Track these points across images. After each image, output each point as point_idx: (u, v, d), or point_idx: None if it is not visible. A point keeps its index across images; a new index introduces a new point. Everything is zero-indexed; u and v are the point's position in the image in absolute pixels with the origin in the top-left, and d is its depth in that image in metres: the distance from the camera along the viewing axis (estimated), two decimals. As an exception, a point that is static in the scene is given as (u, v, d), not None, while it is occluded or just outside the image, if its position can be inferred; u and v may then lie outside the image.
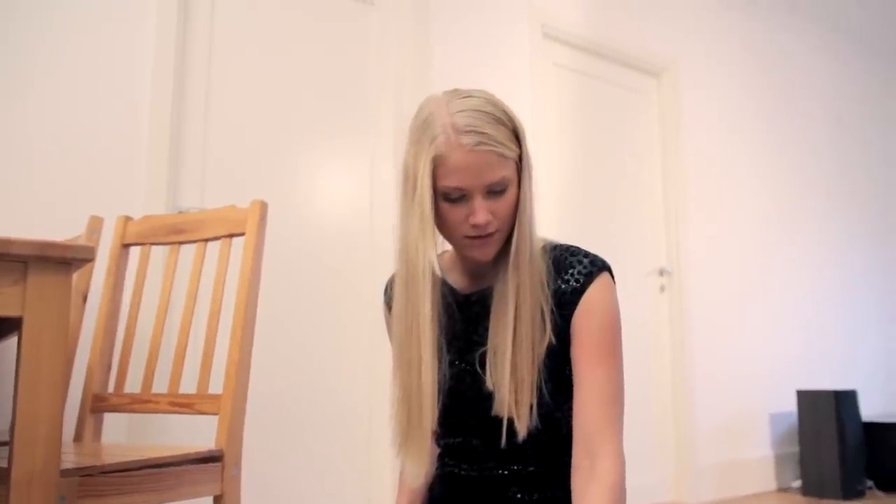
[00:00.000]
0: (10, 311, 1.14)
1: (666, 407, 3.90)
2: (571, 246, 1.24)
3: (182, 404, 1.75)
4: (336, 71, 2.95)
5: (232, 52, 2.70)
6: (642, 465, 3.74)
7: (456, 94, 1.16)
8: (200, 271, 1.85)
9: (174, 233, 1.90)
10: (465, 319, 1.24)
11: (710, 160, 4.33)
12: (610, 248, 3.40)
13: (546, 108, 3.58)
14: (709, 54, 4.45)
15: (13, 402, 1.93)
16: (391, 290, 1.34)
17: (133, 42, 2.44)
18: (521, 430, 1.14)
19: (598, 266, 1.20)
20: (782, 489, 4.32)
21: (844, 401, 4.09)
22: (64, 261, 1.17)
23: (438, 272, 1.16)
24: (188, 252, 2.08)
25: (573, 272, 1.19)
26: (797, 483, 4.30)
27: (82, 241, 1.85)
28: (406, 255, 1.17)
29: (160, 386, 1.88)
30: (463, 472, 1.27)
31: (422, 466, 1.18)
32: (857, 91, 5.58)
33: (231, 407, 1.64)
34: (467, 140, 1.10)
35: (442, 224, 1.17)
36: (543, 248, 1.22)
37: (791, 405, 4.43)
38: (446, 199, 1.13)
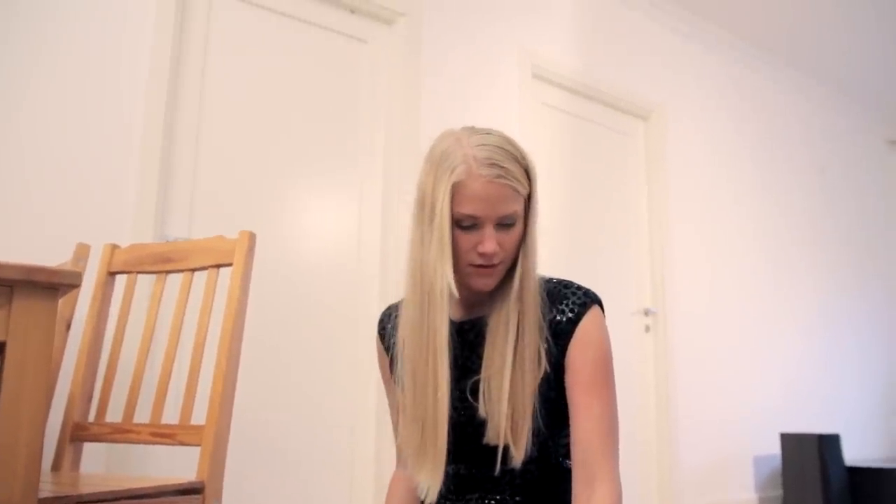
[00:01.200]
0: (-7, 336, 1.13)
1: (650, 448, 3.89)
2: (563, 279, 1.28)
3: (164, 434, 1.73)
4: (326, 105, 2.98)
5: (224, 84, 2.73)
6: (626, 507, 3.71)
7: (474, 130, 1.22)
8: (186, 301, 1.84)
9: (161, 262, 1.90)
10: (458, 347, 1.25)
11: (696, 202, 4.38)
12: (595, 286, 3.39)
13: (534, 147, 3.62)
14: (695, 99, 4.53)
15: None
16: (389, 320, 1.36)
17: (125, 70, 2.45)
18: (518, 457, 1.16)
19: (590, 298, 1.24)
20: (766, 533, 4.30)
21: (828, 444, 4.09)
22: (51, 286, 1.17)
23: (455, 293, 1.18)
24: (175, 281, 2.08)
25: (567, 303, 1.23)
26: (781, 527, 4.28)
27: (69, 268, 1.85)
28: (422, 277, 1.19)
29: (142, 416, 1.86)
30: (448, 503, 1.27)
31: (436, 483, 1.19)
32: (841, 140, 5.68)
33: (213, 438, 1.63)
34: (487, 171, 1.15)
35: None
36: (538, 280, 1.26)
37: (775, 448, 4.43)
38: (458, 226, 1.18)
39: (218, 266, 1.81)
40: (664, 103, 4.30)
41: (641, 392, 3.91)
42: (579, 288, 1.26)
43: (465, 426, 1.22)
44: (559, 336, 1.22)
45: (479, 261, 1.19)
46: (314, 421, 2.76)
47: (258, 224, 2.68)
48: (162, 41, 2.52)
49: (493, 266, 1.20)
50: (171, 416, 1.87)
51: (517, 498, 1.23)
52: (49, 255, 2.13)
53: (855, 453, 4.95)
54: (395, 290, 2.94)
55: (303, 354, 2.77)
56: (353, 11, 3.09)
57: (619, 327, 3.84)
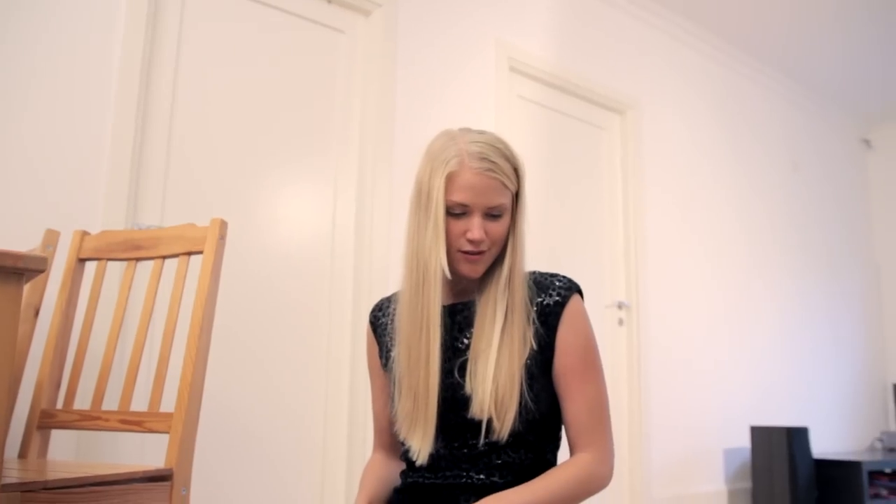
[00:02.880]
0: (-44, 320, 1.13)
1: (621, 439, 3.93)
2: (545, 271, 1.39)
3: (132, 422, 1.72)
4: (302, 95, 2.97)
5: (198, 71, 2.71)
6: (596, 497, 3.74)
7: (470, 130, 1.34)
8: (157, 288, 1.84)
9: (132, 249, 1.89)
10: (449, 328, 1.34)
11: (671, 197, 4.41)
12: (570, 279, 3.43)
13: (510, 139, 3.62)
14: (672, 94, 4.56)
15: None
16: (383, 310, 1.46)
17: (97, 56, 2.43)
18: (503, 431, 1.24)
19: (574, 284, 1.35)
20: (735, 524, 4.36)
21: (796, 437, 4.15)
22: (15, 270, 1.16)
23: (448, 274, 1.29)
24: (145, 269, 2.07)
25: (553, 289, 1.33)
26: (749, 519, 4.34)
27: (35, 254, 1.83)
28: (417, 260, 1.29)
29: (111, 403, 1.86)
30: (427, 482, 1.31)
31: (427, 447, 1.27)
32: (816, 137, 5.75)
33: (182, 426, 1.62)
34: (477, 164, 1.27)
35: None
36: (525, 272, 1.37)
37: (745, 441, 4.49)
38: (450, 214, 1.28)
39: (189, 254, 1.81)
40: (640, 98, 4.32)
41: (614, 384, 3.95)
42: (563, 277, 1.36)
43: (451, 402, 1.28)
44: (548, 317, 1.31)
45: (468, 247, 1.28)
46: (285, 408, 2.76)
47: (232, 212, 2.67)
48: (135, 27, 2.50)
49: (479, 253, 1.29)
50: (140, 404, 1.86)
51: (496, 476, 1.27)
52: (19, 242, 2.12)
53: (823, 446, 5.03)
54: (368, 278, 2.95)
55: (275, 342, 2.76)
56: (329, 1, 3.08)
57: (592, 320, 3.84)
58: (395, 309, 1.37)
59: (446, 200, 1.26)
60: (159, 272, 1.84)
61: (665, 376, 4.14)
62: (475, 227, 1.26)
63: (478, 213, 1.27)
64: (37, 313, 1.94)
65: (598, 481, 1.27)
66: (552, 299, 1.32)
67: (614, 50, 4.25)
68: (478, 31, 3.56)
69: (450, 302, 1.37)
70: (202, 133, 2.69)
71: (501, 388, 1.24)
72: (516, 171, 1.32)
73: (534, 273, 1.37)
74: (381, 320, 1.46)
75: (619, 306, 4.05)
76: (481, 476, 1.27)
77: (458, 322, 1.34)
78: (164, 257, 1.85)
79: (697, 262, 4.52)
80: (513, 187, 1.30)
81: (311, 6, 3.03)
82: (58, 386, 1.86)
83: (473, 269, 1.30)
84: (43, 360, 1.85)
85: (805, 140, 5.63)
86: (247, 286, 2.71)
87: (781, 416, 4.83)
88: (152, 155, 2.56)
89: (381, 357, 1.45)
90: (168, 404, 1.71)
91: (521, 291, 1.31)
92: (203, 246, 1.76)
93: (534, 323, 1.30)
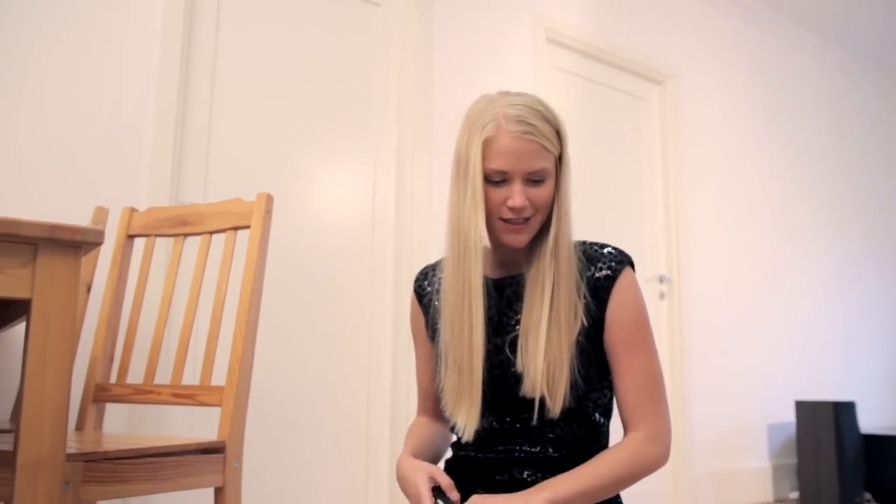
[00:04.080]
0: (18, 293, 1.14)
1: (664, 414, 3.89)
2: (597, 241, 1.34)
3: (185, 395, 1.74)
4: (339, 69, 2.96)
5: (237, 49, 2.71)
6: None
7: (508, 93, 1.28)
8: (205, 263, 1.85)
9: (179, 224, 1.90)
10: (497, 303, 1.30)
11: (712, 168, 4.34)
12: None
13: (550, 112, 3.58)
14: (712, 63, 4.47)
15: (20, 386, 1.93)
16: (427, 278, 1.42)
17: (139, 37, 2.44)
18: (555, 408, 1.20)
19: (626, 257, 1.30)
20: (780, 500, 4.31)
21: (843, 412, 4.09)
22: (73, 244, 1.17)
23: (487, 242, 1.26)
24: (193, 244, 2.08)
25: (605, 261, 1.28)
26: (795, 494, 4.29)
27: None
28: (458, 230, 1.25)
29: (163, 377, 1.88)
30: (479, 456, 1.29)
31: (472, 423, 1.24)
32: (861, 107, 5.60)
33: (234, 399, 1.64)
34: (515, 128, 1.20)
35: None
36: (573, 244, 1.31)
37: (789, 416, 4.43)
38: (489, 181, 1.23)
39: (236, 228, 1.81)
40: (680, 67, 4.24)
41: (656, 359, 3.91)
42: (615, 248, 1.31)
43: (501, 379, 1.25)
44: (598, 291, 1.26)
45: (509, 215, 1.23)
46: (329, 383, 2.78)
47: (272, 188, 2.67)
48: (174, 7, 2.51)
49: (524, 221, 1.24)
50: (191, 378, 1.88)
51: (549, 450, 1.25)
52: (66, 218, 2.14)
53: (870, 421, 4.95)
54: (409, 254, 2.94)
55: (316, 319, 2.78)
56: (366, -25, 3.06)
57: (633, 294, 3.82)
58: (439, 279, 1.34)
59: (484, 168, 1.21)
60: (207, 247, 1.86)
61: (707, 350, 4.09)
62: (516, 194, 1.21)
63: (518, 179, 1.21)
64: (88, 289, 1.97)
65: (653, 461, 1.21)
66: (602, 272, 1.27)
67: (652, 18, 4.17)
68: (515, 2, 3.51)
69: (498, 275, 1.33)
70: (242, 111, 2.69)
71: (552, 366, 1.20)
72: (558, 133, 1.26)
73: (584, 244, 1.32)
74: (426, 290, 1.42)
75: (661, 280, 4.00)
76: (535, 449, 1.25)
77: (507, 296, 1.30)
78: (212, 232, 1.86)
79: (739, 234, 4.45)
80: (555, 150, 1.24)
81: (348, -19, 3.01)
82: (111, 360, 1.89)
83: (517, 239, 1.25)
84: (96, 336, 1.88)
85: (848, 108, 5.49)
86: (287, 263, 2.72)
87: (827, 390, 4.76)
88: (194, 133, 2.57)
89: (426, 328, 1.42)
90: (219, 378, 1.72)
91: (567, 261, 1.25)
92: (250, 220, 1.77)
93: (585, 297, 1.25)
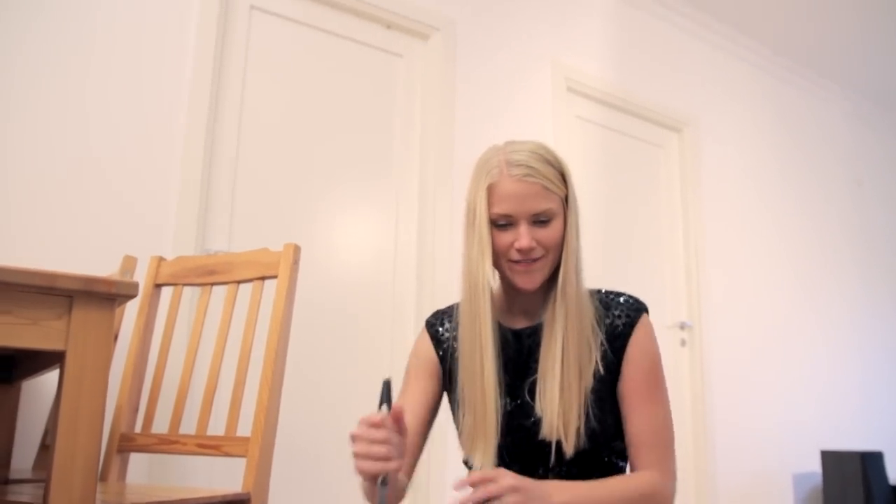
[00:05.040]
0: (53, 345, 1.15)
1: (686, 462, 3.84)
2: (612, 290, 1.37)
3: (210, 446, 1.74)
4: (363, 118, 3.00)
5: (263, 98, 2.76)
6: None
7: (514, 141, 1.32)
8: (231, 313, 1.86)
9: (206, 274, 1.91)
10: (517, 354, 1.32)
11: (731, 215, 4.33)
12: (632, 300, 3.38)
13: (568, 159, 3.60)
14: (730, 111, 4.50)
15: (44, 436, 1.93)
16: (443, 324, 1.42)
17: (167, 87, 2.49)
18: (569, 449, 1.21)
19: (641, 304, 1.33)
20: (806, 552, 4.21)
21: (871, 462, 4.01)
22: (108, 296, 1.18)
23: (494, 285, 1.29)
24: (219, 293, 2.09)
25: (622, 308, 1.31)
26: (821, 546, 4.19)
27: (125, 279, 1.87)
28: (468, 275, 1.28)
29: (188, 427, 1.88)
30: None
31: (489, 462, 1.25)
32: (880, 153, 5.60)
33: (259, 450, 1.63)
34: (516, 171, 1.25)
35: (492, 251, 1.28)
36: (590, 292, 1.34)
37: (815, 465, 4.34)
38: (496, 226, 1.26)
39: (263, 278, 1.82)
40: (697, 115, 4.27)
41: (677, 407, 3.86)
42: (630, 296, 1.34)
43: (522, 426, 1.27)
44: (617, 339, 1.29)
45: (518, 257, 1.25)
46: (350, 429, 2.75)
47: (295, 236, 2.70)
48: (203, 58, 2.56)
49: (533, 262, 1.26)
50: (216, 428, 1.88)
51: None
52: (92, 267, 2.17)
53: (896, 471, 4.85)
54: (430, 301, 2.94)
55: (340, 366, 2.77)
56: (389, 27, 3.12)
57: (655, 341, 3.79)
58: (457, 325, 1.35)
59: (491, 214, 1.25)
60: (234, 297, 1.87)
61: (730, 398, 4.04)
62: (522, 236, 1.24)
63: (524, 221, 1.25)
64: (115, 338, 1.98)
65: (662, 500, 1.22)
66: (620, 321, 1.29)
67: (670, 67, 4.21)
68: (535, 52, 3.56)
69: (519, 326, 1.34)
70: (267, 158, 2.73)
71: (567, 407, 1.22)
72: (563, 175, 1.30)
73: (600, 292, 1.34)
74: (443, 336, 1.41)
75: (682, 326, 3.98)
76: None
77: (528, 346, 1.32)
78: (239, 282, 1.87)
79: (759, 281, 4.42)
80: (559, 191, 1.28)
81: (371, 32, 3.07)
82: (136, 410, 1.89)
83: (529, 280, 1.27)
84: (122, 385, 1.88)
85: (865, 155, 5.49)
86: (310, 308, 2.72)
87: (853, 440, 4.67)
88: (220, 181, 2.61)
89: (443, 376, 1.39)
90: (244, 427, 1.72)
91: (576, 300, 1.27)
92: (277, 270, 1.78)
93: (602, 344, 1.27)
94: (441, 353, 1.40)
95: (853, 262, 5.13)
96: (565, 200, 1.30)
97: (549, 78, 3.58)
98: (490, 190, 1.25)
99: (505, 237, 1.26)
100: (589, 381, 1.24)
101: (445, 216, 3.05)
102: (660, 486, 1.21)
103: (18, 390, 2.00)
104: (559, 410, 1.21)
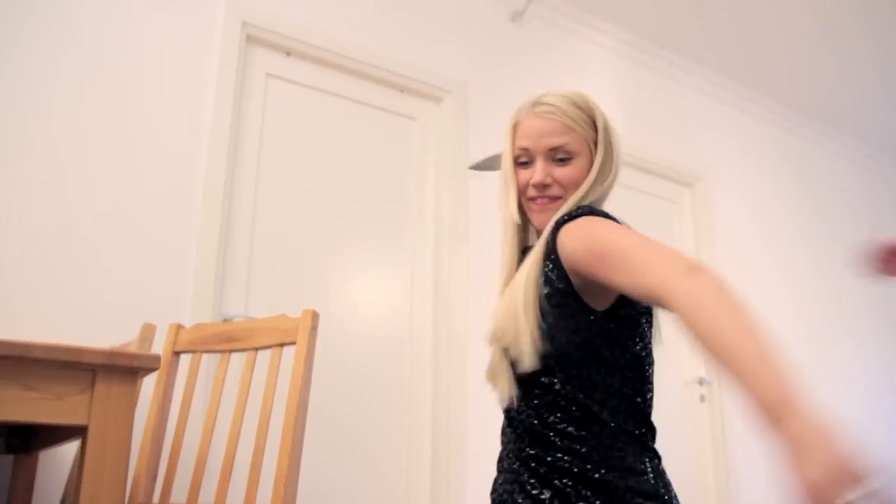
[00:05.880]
0: (76, 420, 1.16)
1: (711, 523, 3.76)
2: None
3: (228, 515, 1.73)
4: (378, 180, 3.04)
5: (279, 163, 2.80)
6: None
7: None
8: (250, 380, 1.86)
9: (225, 341, 1.93)
10: None
11: (744, 269, 4.32)
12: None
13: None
14: (741, 165, 4.52)
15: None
16: None
17: (185, 154, 2.54)
18: (520, 359, 1.13)
19: (588, 208, 1.21)
20: None
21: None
22: (131, 370, 1.20)
23: (517, 219, 1.29)
24: (238, 359, 2.10)
25: (566, 216, 1.20)
26: None
27: (135, 348, 1.89)
28: (502, 216, 1.31)
29: (207, 495, 1.86)
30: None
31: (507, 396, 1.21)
32: (892, 203, 5.60)
33: (278, 519, 1.62)
34: (539, 108, 1.28)
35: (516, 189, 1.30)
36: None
37: (842, 523, 4.24)
38: (517, 164, 1.30)
39: (281, 345, 1.83)
40: (709, 169, 4.30)
41: (698, 464, 3.80)
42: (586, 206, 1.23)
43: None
44: (551, 243, 1.18)
45: (534, 192, 1.27)
46: (373, 495, 2.73)
47: (312, 300, 2.72)
48: (220, 125, 2.62)
49: (549, 200, 1.26)
50: (235, 495, 1.86)
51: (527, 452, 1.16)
52: (112, 334, 2.18)
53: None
54: (447, 363, 2.93)
55: (359, 430, 2.76)
56: (402, 91, 3.18)
57: (673, 397, 3.76)
58: None
59: (514, 151, 1.29)
60: (252, 363, 1.87)
61: (752, 454, 3.97)
62: (537, 171, 1.25)
63: (540, 157, 1.26)
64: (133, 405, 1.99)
65: (717, 284, 0.93)
66: (554, 224, 1.20)
67: (680, 123, 4.25)
68: (545, 112, 3.61)
69: None
70: (283, 223, 2.76)
71: (503, 316, 1.17)
72: (593, 119, 1.29)
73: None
74: None
75: (700, 382, 3.93)
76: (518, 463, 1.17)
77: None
78: (257, 349, 1.88)
79: (775, 333, 4.38)
80: (583, 132, 1.27)
81: (385, 96, 3.13)
82: (154, 478, 1.88)
83: (540, 219, 1.27)
84: (140, 453, 1.88)
85: (885, 207, 5.49)
86: (327, 372, 2.72)
87: (879, 496, 4.56)
88: (236, 246, 2.64)
89: None
90: (264, 496, 1.71)
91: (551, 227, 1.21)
92: (296, 337, 1.79)
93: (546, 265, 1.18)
94: None
95: (868, 316, 5.08)
96: (595, 145, 1.28)
97: (559, 136, 3.62)
98: (515, 128, 1.30)
99: (525, 174, 1.28)
100: (532, 291, 1.15)
101: (461, 277, 3.06)
102: (701, 282, 0.93)
103: (36, 460, 2.00)
104: (500, 321, 1.17)
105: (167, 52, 2.58)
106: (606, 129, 1.29)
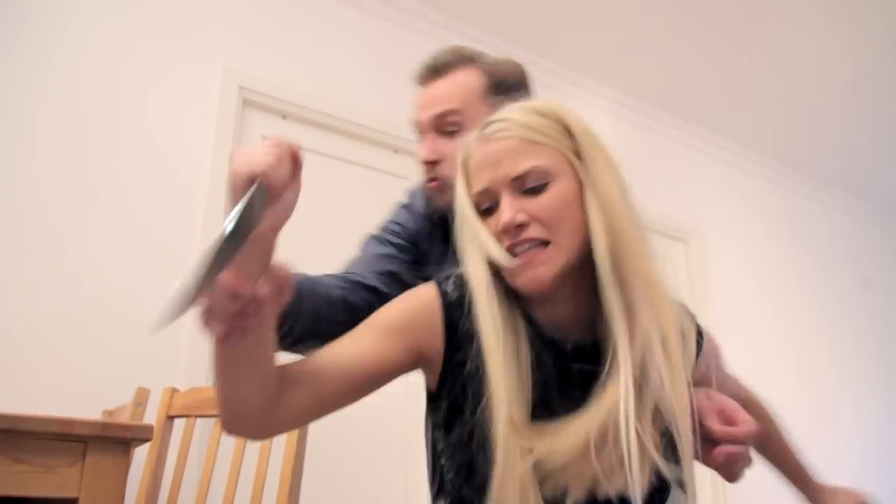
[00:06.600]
0: (66, 493, 1.15)
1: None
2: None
3: (221, 586, 1.69)
4: (374, 241, 3.06)
5: (276, 226, 2.82)
6: None
7: None
8: (245, 445, 1.84)
9: (219, 405, 1.91)
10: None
11: (739, 323, 4.32)
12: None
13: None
14: (734, 220, 4.56)
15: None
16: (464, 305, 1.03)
17: (181, 220, 2.56)
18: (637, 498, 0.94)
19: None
20: None
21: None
22: (123, 441, 1.19)
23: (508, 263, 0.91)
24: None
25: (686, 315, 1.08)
26: None
27: (128, 412, 1.87)
28: (476, 295, 0.92)
29: (198, 565, 1.83)
30: None
31: None
32: (889, 255, 5.62)
33: (272, 589, 1.59)
34: (487, 130, 0.94)
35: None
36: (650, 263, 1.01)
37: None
38: (480, 213, 0.93)
39: (276, 408, 1.82)
40: (703, 225, 4.33)
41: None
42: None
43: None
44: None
45: (507, 241, 0.89)
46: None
47: (309, 361, 2.70)
48: (216, 190, 2.64)
49: (529, 248, 0.89)
50: (227, 565, 1.83)
51: None
52: (105, 397, 2.17)
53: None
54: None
55: (355, 495, 2.72)
56: (396, 151, 3.22)
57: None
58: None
59: (469, 198, 0.93)
60: (246, 428, 1.85)
61: (751, 494, 3.92)
62: (504, 209, 0.89)
63: (504, 192, 0.90)
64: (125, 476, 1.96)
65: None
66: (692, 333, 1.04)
67: (673, 179, 4.30)
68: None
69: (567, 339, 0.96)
70: (280, 283, 2.76)
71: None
72: (567, 128, 0.94)
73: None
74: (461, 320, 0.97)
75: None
76: None
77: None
78: (252, 413, 1.86)
79: (772, 387, 4.33)
80: (556, 144, 0.92)
81: (379, 157, 3.17)
82: (146, 548, 1.85)
83: (532, 277, 0.88)
84: (132, 521, 1.85)
85: (876, 255, 5.51)
86: (322, 435, 2.69)
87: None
88: (233, 307, 2.63)
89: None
90: (256, 566, 1.68)
91: (658, 312, 0.93)
92: (290, 401, 1.77)
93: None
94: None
95: (865, 366, 5.06)
96: (578, 156, 0.93)
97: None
98: (464, 168, 0.95)
99: (491, 225, 0.91)
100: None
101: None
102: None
103: (27, 529, 1.96)
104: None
105: (167, 115, 2.62)
106: (588, 133, 0.95)
